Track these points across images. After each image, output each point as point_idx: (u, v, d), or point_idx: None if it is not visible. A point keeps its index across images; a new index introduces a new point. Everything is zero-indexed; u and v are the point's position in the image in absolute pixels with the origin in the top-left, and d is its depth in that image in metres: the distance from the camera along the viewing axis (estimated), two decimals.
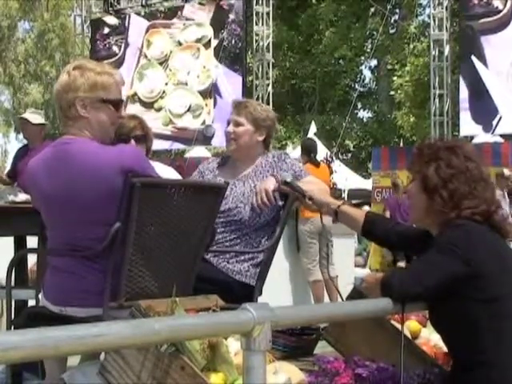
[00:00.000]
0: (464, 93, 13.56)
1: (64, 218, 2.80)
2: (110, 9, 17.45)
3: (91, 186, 2.73)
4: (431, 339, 3.11)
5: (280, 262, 8.28)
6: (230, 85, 15.80)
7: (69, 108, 2.84)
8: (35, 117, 7.35)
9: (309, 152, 8.44)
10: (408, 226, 3.17)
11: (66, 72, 2.87)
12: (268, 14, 16.05)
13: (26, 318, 2.99)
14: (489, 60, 13.21)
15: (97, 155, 2.78)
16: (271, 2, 16.18)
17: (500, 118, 12.95)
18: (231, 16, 16.00)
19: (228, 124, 3.77)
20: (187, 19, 16.59)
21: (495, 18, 13.32)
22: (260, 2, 15.94)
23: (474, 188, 2.67)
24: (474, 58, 13.32)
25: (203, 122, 16.09)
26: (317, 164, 8.47)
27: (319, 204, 3.23)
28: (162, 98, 16.58)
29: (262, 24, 16.02)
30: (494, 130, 13.12)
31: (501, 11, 13.29)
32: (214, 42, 16.10)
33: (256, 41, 16.16)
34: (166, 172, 4.06)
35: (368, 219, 3.05)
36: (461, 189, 2.66)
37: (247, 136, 3.71)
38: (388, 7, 20.17)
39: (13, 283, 3.17)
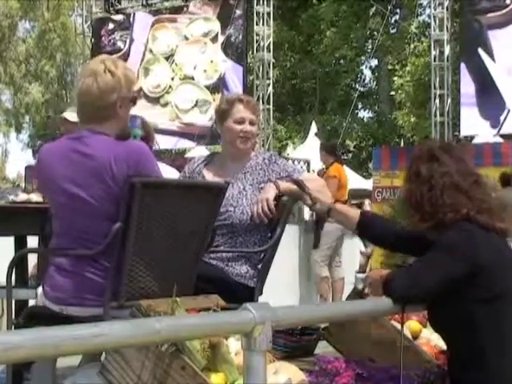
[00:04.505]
0: (466, 88, 13.49)
1: (73, 208, 2.82)
2: (111, 8, 17.42)
3: (100, 179, 2.76)
4: (431, 339, 3.11)
5: (281, 262, 8.29)
6: (238, 79, 15.71)
7: (107, 107, 2.86)
8: (73, 115, 7.46)
9: (334, 152, 8.74)
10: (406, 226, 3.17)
11: (108, 71, 2.85)
12: (269, 14, 16.03)
13: (27, 317, 2.99)
14: (496, 54, 13.15)
15: (107, 150, 2.80)
16: (272, 2, 16.17)
17: (508, 113, 12.89)
18: (238, 11, 15.93)
19: (239, 122, 3.65)
20: (193, 14, 16.49)
21: (502, 12, 13.25)
22: (261, 2, 15.93)
23: (439, 196, 2.67)
24: (481, 51, 13.24)
25: (211, 118, 15.95)
26: (342, 163, 8.90)
27: (315, 200, 3.22)
28: (168, 93, 16.47)
29: (263, 24, 16.00)
30: (502, 125, 13.05)
31: (508, 5, 13.22)
32: (221, 37, 16.01)
33: (257, 41, 16.13)
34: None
35: (364, 218, 3.04)
36: (425, 199, 2.68)
37: (256, 134, 3.75)
38: (389, 7, 20.14)
39: (13, 283, 3.17)
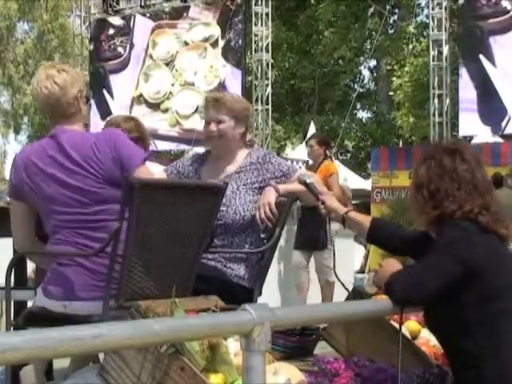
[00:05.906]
0: (466, 93, 13.48)
1: (78, 201, 2.89)
2: (110, 9, 17.39)
3: (86, 166, 2.88)
4: (431, 339, 3.11)
5: (280, 263, 8.31)
6: (238, 84, 15.66)
7: (72, 102, 2.97)
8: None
9: (328, 145, 8.16)
10: (411, 230, 3.17)
11: (61, 70, 2.98)
12: (267, 14, 16.02)
13: (26, 319, 2.99)
14: (497, 60, 13.13)
15: (87, 140, 2.95)
16: (270, 3, 16.17)
17: (509, 118, 12.87)
18: (238, 16, 15.89)
19: (207, 123, 3.70)
20: (193, 19, 16.47)
21: (504, 18, 13.23)
22: (259, 2, 15.92)
23: (456, 189, 2.66)
24: (482, 57, 13.23)
25: None
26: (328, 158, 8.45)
27: (329, 209, 3.22)
28: (168, 98, 16.41)
29: (261, 24, 15.98)
30: (504, 130, 13.03)
31: (509, 11, 13.22)
32: (222, 42, 15.98)
33: (255, 41, 16.12)
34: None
35: (373, 224, 3.06)
36: (442, 189, 2.66)
37: (230, 132, 3.67)
38: (387, 7, 20.14)
39: (12, 284, 3.16)
